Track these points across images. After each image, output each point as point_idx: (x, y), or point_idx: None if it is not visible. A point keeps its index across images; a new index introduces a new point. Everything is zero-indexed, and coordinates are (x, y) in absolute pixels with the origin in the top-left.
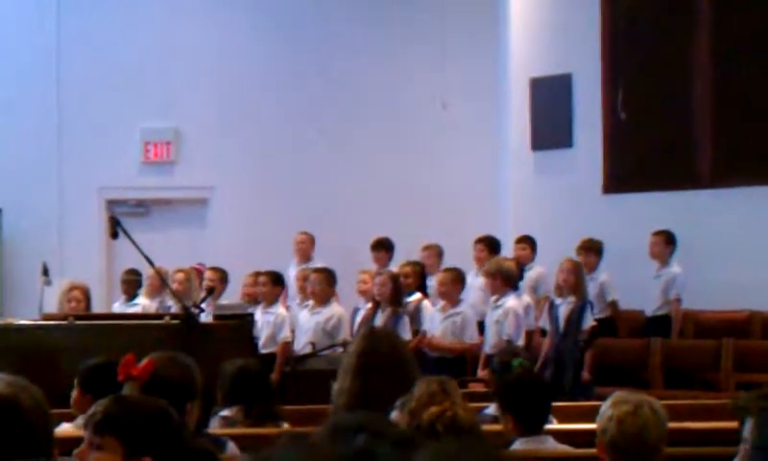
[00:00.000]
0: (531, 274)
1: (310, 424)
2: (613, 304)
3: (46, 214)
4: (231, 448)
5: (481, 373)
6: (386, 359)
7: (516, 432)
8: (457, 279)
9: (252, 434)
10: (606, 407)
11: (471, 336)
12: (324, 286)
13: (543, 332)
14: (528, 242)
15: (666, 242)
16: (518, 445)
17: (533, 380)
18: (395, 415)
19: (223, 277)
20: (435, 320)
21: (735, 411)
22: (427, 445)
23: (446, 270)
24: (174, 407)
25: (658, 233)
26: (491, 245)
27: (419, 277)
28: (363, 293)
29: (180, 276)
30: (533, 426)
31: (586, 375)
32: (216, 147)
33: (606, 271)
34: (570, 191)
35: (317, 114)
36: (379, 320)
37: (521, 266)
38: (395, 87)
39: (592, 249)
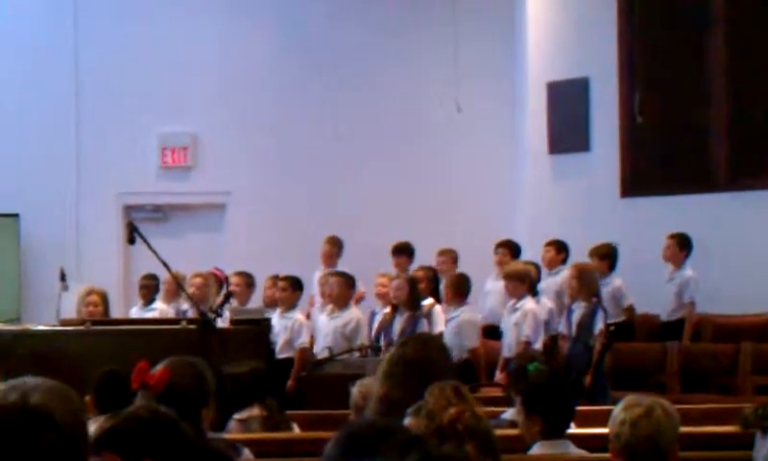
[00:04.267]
0: (557, 278)
1: (326, 428)
2: (630, 309)
3: (64, 220)
4: (246, 453)
5: (499, 376)
6: (414, 366)
7: (539, 435)
8: (456, 284)
9: (268, 439)
10: (618, 411)
11: (473, 340)
12: (341, 290)
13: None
14: (554, 246)
15: (680, 245)
16: (538, 448)
17: (558, 382)
18: (408, 421)
19: (249, 281)
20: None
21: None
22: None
23: (449, 277)
24: (189, 413)
25: (672, 236)
26: (513, 249)
27: (431, 282)
28: (380, 296)
29: (198, 281)
30: (557, 429)
31: (588, 380)
32: (233, 152)
33: (619, 276)
34: (588, 195)
35: (333, 119)
36: (398, 324)
37: (539, 270)
38: (411, 91)
39: (598, 254)
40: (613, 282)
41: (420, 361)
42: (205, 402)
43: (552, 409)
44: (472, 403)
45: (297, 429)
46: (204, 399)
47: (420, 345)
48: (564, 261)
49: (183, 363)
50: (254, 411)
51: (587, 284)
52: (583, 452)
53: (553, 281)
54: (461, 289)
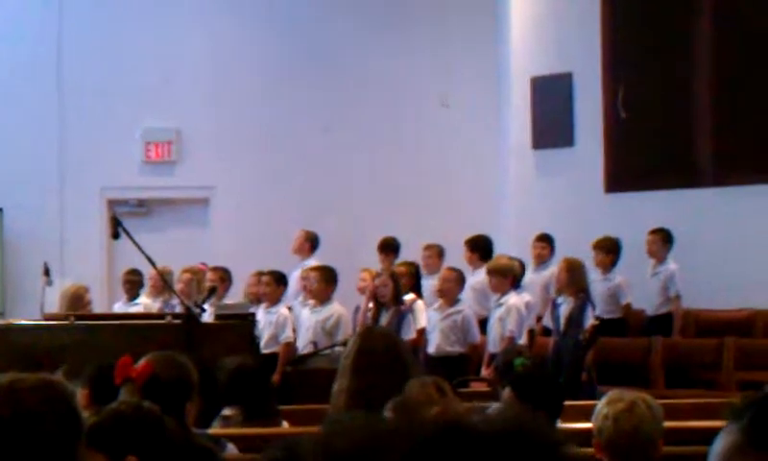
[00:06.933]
0: (545, 272)
1: (311, 423)
2: (627, 307)
3: (47, 214)
4: (230, 448)
5: (485, 371)
6: (383, 358)
7: None
8: (459, 278)
9: (252, 434)
10: (601, 406)
11: (474, 336)
12: (322, 285)
13: (549, 331)
14: (547, 241)
15: (663, 240)
16: None
17: (551, 376)
18: (388, 415)
19: (225, 276)
20: (432, 319)
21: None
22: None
23: (450, 269)
24: (173, 407)
25: (655, 232)
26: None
27: (413, 277)
28: (363, 291)
29: (187, 276)
30: (553, 423)
31: (584, 376)
32: (217, 146)
33: (622, 274)
34: (571, 190)
35: (318, 113)
36: (384, 320)
37: (523, 265)
38: (396, 87)
39: (603, 247)
40: (616, 279)
41: (387, 353)
42: (189, 396)
43: (552, 404)
44: (454, 400)
45: (286, 426)
46: (188, 392)
47: (384, 337)
48: (550, 255)
49: (166, 357)
50: (235, 410)
51: (576, 279)
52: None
53: (539, 276)
54: (461, 286)
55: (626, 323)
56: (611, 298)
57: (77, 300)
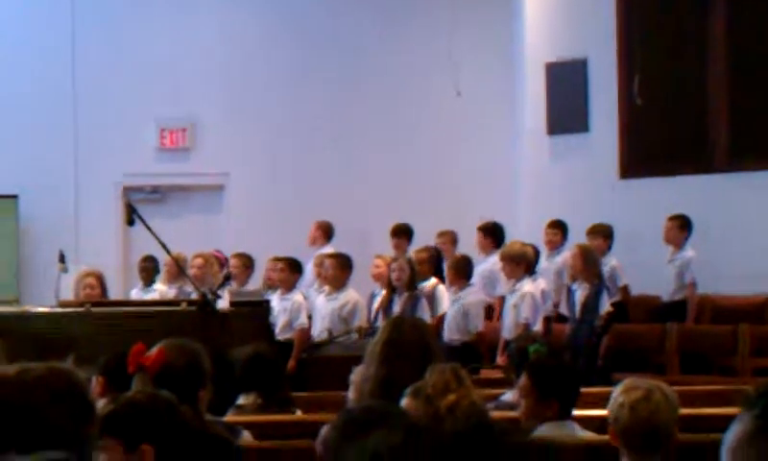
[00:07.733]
0: (558, 259)
1: (325, 410)
2: (624, 289)
3: (63, 202)
4: (245, 435)
5: (500, 359)
6: (412, 347)
7: (543, 417)
8: (458, 265)
9: (266, 421)
10: (617, 394)
11: (474, 325)
12: (337, 271)
13: (564, 318)
14: (559, 227)
15: (681, 227)
16: (545, 429)
17: (568, 365)
18: (405, 402)
19: (248, 263)
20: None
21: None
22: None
23: (452, 258)
24: (186, 395)
25: (673, 218)
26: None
27: (434, 262)
28: (377, 277)
29: (199, 261)
30: (568, 411)
31: (600, 362)
32: (232, 133)
33: (615, 256)
34: (586, 176)
35: (332, 98)
36: (397, 305)
37: (537, 251)
38: (410, 72)
39: (599, 233)
40: (611, 262)
41: (417, 342)
42: (202, 384)
43: (567, 392)
44: (471, 388)
45: (299, 413)
46: (201, 380)
47: (414, 326)
48: (562, 242)
49: (179, 345)
50: (250, 398)
51: (591, 264)
52: (589, 434)
53: (552, 263)
54: (464, 271)
55: (625, 306)
56: (609, 281)
57: (76, 285)
